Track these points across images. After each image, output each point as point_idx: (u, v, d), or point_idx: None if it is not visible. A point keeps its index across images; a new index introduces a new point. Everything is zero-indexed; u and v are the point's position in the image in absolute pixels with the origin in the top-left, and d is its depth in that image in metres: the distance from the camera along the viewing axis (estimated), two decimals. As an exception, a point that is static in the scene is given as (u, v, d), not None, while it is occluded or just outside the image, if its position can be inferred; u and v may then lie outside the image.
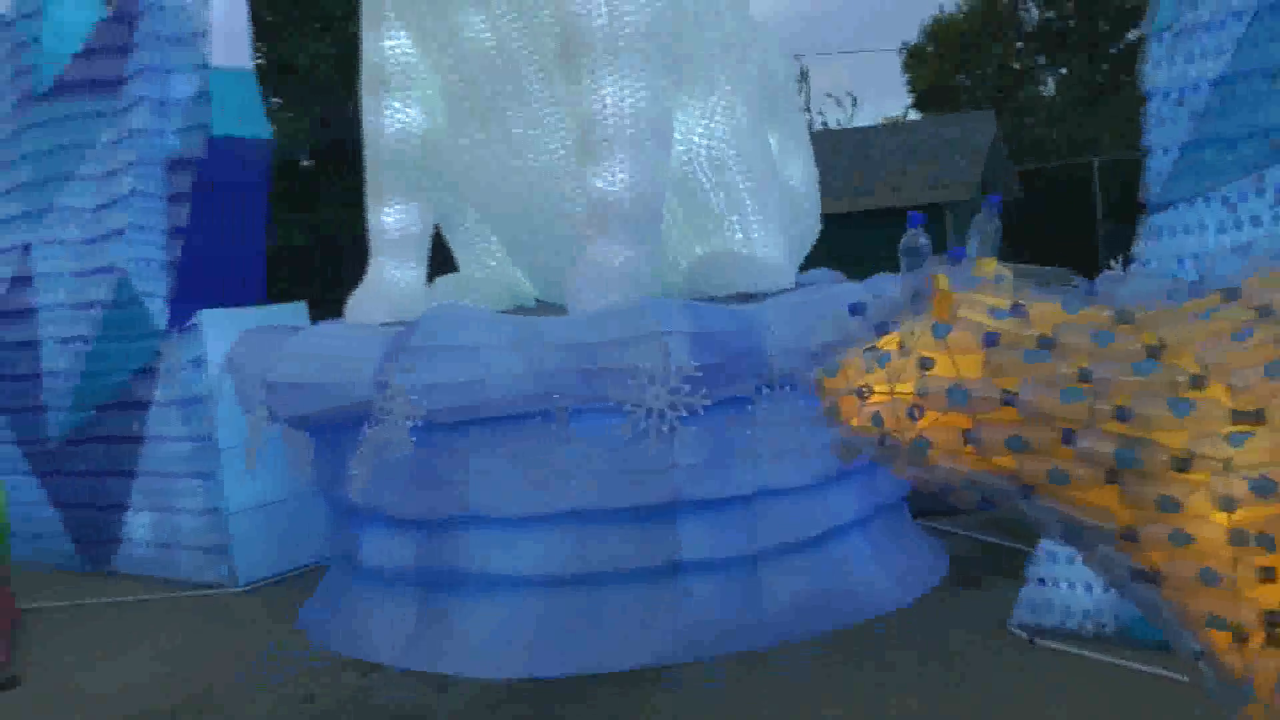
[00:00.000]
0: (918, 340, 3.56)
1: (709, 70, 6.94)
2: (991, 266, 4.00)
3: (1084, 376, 3.13)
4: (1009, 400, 3.27)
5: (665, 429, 5.60)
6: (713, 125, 6.95)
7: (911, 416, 3.48)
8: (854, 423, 3.80)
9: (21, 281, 9.76)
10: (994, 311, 3.53)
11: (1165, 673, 5.32)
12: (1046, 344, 3.28)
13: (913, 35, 33.57)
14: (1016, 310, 3.50)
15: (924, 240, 3.80)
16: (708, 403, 5.62)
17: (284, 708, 5.92)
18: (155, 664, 6.85)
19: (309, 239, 16.12)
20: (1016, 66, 31.01)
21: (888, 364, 3.60)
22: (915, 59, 31.75)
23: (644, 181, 6.35)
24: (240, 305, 8.78)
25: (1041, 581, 6.08)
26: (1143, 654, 5.54)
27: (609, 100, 6.28)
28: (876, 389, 3.69)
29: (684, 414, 5.58)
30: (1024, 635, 5.99)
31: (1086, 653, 5.71)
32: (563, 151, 6.85)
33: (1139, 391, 3.06)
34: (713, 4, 7.01)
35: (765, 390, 6.01)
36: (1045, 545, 6.07)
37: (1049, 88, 31.51)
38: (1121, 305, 3.33)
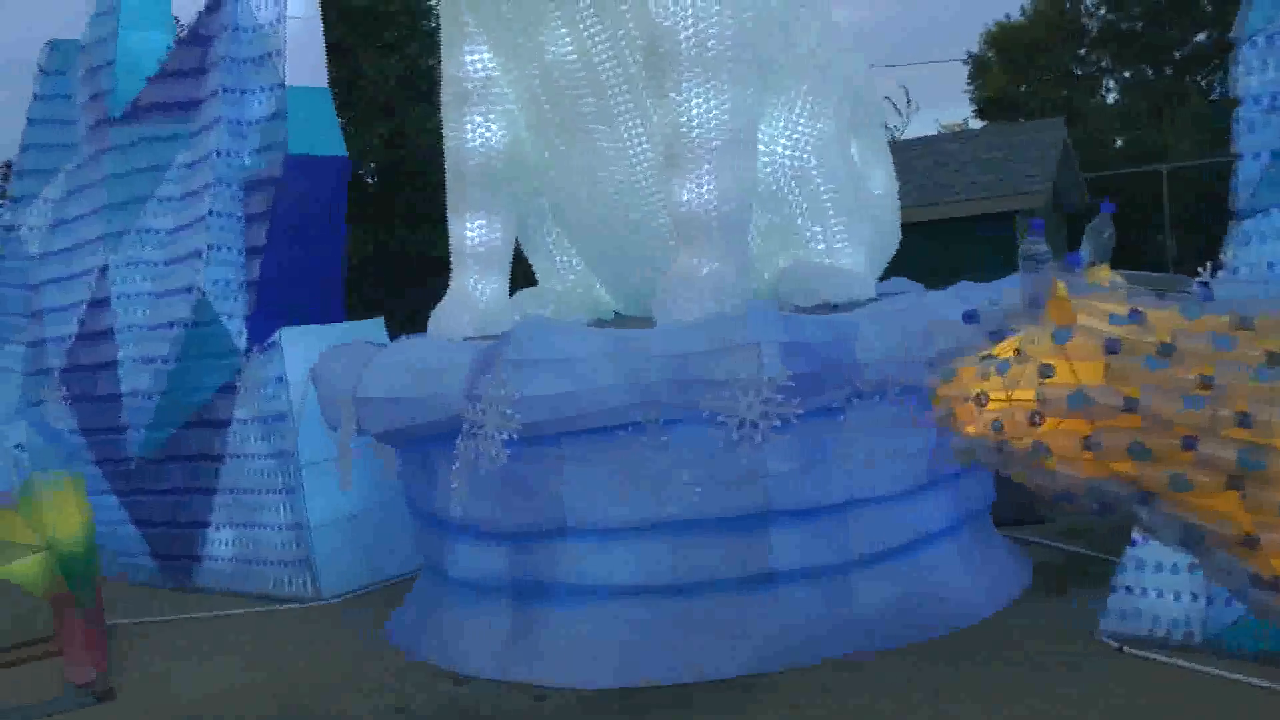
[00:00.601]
0: (1037, 347, 3.57)
1: (793, 81, 6.96)
2: (1106, 273, 4.00)
3: (1205, 383, 3.13)
4: (1130, 406, 3.27)
5: (758, 439, 5.62)
6: (796, 135, 6.97)
7: (1031, 423, 3.48)
8: (970, 429, 3.81)
9: (100, 304, 9.93)
10: (1113, 318, 3.53)
11: (1256, 681, 5.29)
12: (1167, 350, 3.27)
13: (974, 44, 33.47)
14: (1135, 316, 3.49)
15: (1044, 247, 3.80)
16: (800, 412, 5.63)
17: (379, 717, 5.98)
18: (246, 674, 6.94)
19: (376, 255, 16.28)
20: (1080, 73, 30.80)
21: (1006, 371, 3.60)
22: (979, 67, 31.61)
23: (730, 193, 6.38)
24: (319, 322, 8.88)
25: (1129, 590, 6.04)
26: (1233, 663, 5.50)
27: (695, 112, 6.31)
28: (994, 396, 3.69)
29: (777, 423, 5.60)
30: (1113, 643, 5.95)
31: (1176, 661, 5.66)
32: (646, 164, 6.89)
33: (1260, 397, 3.05)
34: (797, 16, 7.03)
35: (856, 399, 6.02)
36: (1132, 553, 6.03)
37: (1114, 93, 31.30)
38: (1241, 311, 3.33)
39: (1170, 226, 18.06)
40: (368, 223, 16.04)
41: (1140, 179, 19.54)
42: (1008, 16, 31.79)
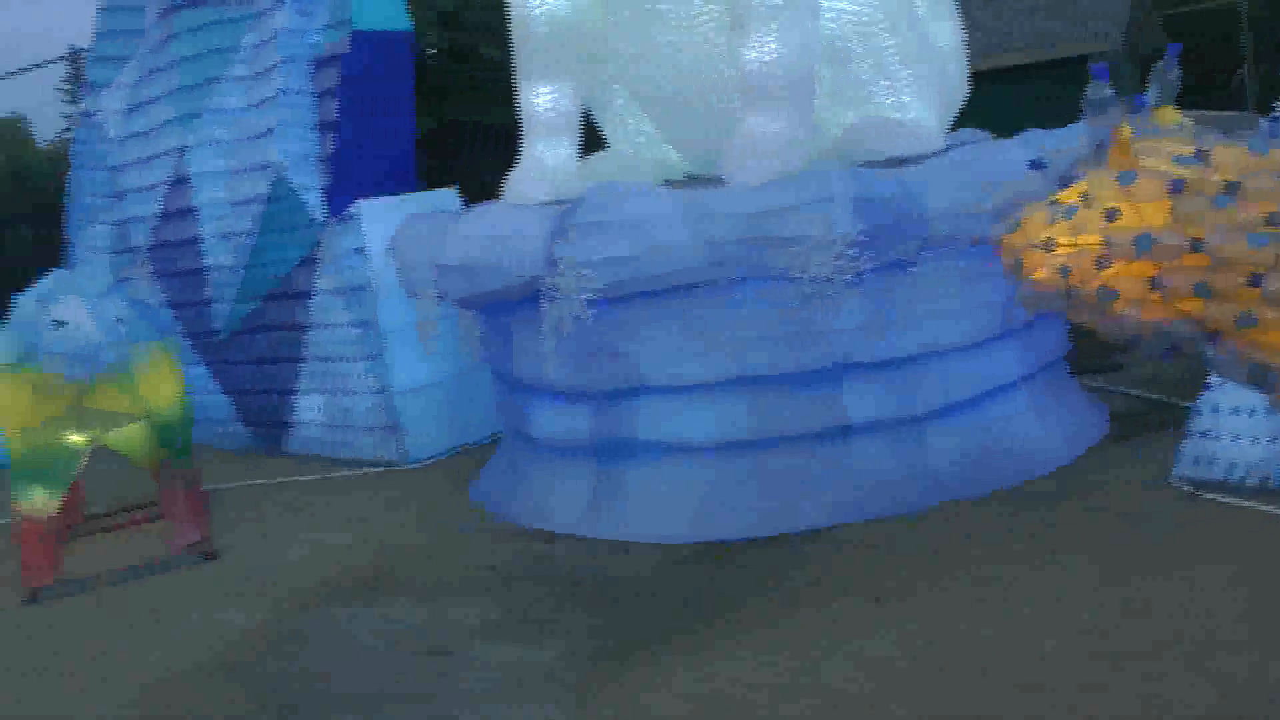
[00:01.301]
0: (1103, 191, 3.61)
1: (858, -68, 6.89)
2: (1173, 114, 4.00)
3: (1272, 221, 3.17)
4: (1196, 247, 3.32)
5: (830, 294, 5.72)
6: (861, -12, 6.92)
7: (1099, 266, 3.54)
8: (1038, 275, 3.87)
9: (181, 182, 10.15)
10: (1178, 159, 3.56)
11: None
12: (1233, 189, 3.30)
13: None
14: (1200, 156, 3.51)
15: (1109, 92, 3.80)
16: (871, 267, 5.71)
17: (470, 572, 6.24)
18: (341, 534, 7.26)
19: (436, 128, 16.35)
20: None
21: (1073, 216, 3.65)
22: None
23: (795, 51, 6.37)
24: (394, 194, 9.03)
25: (1204, 435, 6.05)
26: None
27: (760, -31, 6.29)
28: (1061, 241, 3.74)
29: (848, 278, 5.69)
30: (1187, 488, 6.00)
31: (1250, 503, 5.70)
32: (712, 25, 6.88)
33: (1327, 235, 3.09)
34: None
35: (927, 252, 6.08)
36: (1207, 399, 6.05)
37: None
38: (1308, 148, 3.34)
39: (1253, 61, 17.55)
40: (428, 97, 16.11)
41: (1219, 13, 18.96)
42: None
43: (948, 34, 7.67)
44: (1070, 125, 7.05)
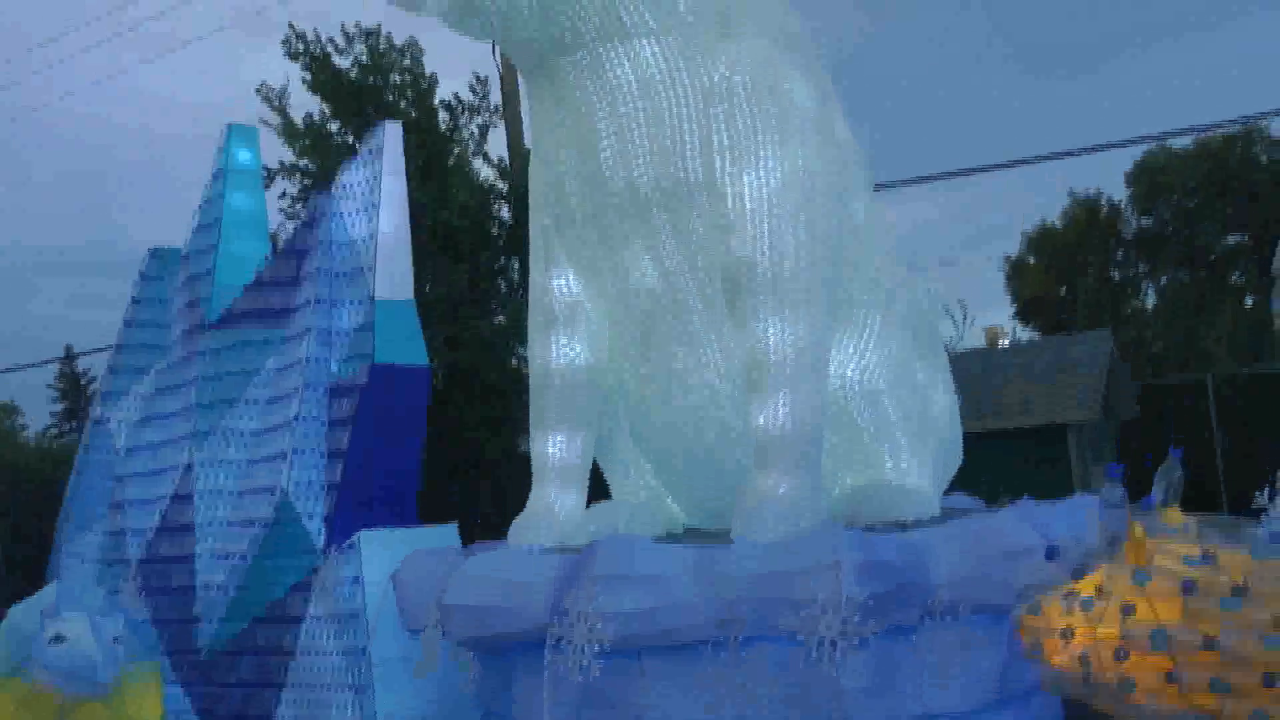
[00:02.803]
0: (1118, 585, 3.81)
1: (862, 308, 7.35)
2: (1178, 515, 4.26)
3: (1280, 623, 3.36)
4: (1209, 644, 3.49)
5: (836, 657, 5.81)
6: (866, 360, 7.33)
7: (1117, 658, 3.70)
8: (1056, 661, 4.03)
9: (183, 499, 10.29)
10: (1186, 559, 3.78)
11: None
12: (1240, 591, 3.51)
13: (1011, 246, 34.30)
14: (1208, 558, 3.74)
15: (1121, 490, 4.08)
16: (878, 631, 5.83)
17: None
18: None
19: (435, 454, 16.65)
20: (1119, 277, 31.46)
21: (1090, 608, 3.84)
22: (1018, 270, 32.34)
23: (805, 416, 6.70)
24: (394, 525, 9.16)
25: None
26: None
27: (772, 340, 6.68)
28: (1080, 630, 3.91)
29: (855, 642, 5.79)
30: None
31: None
32: (722, 384, 7.23)
33: (1335, 636, 3.28)
34: (865, 246, 7.46)
35: (928, 618, 6.21)
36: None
37: (1150, 297, 31.91)
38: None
39: (1218, 428, 18.32)
40: (431, 424, 16.50)
41: (1187, 386, 19.89)
42: (1045, 220, 32.63)
43: (944, 402, 8.05)
44: (1063, 499, 7.35)
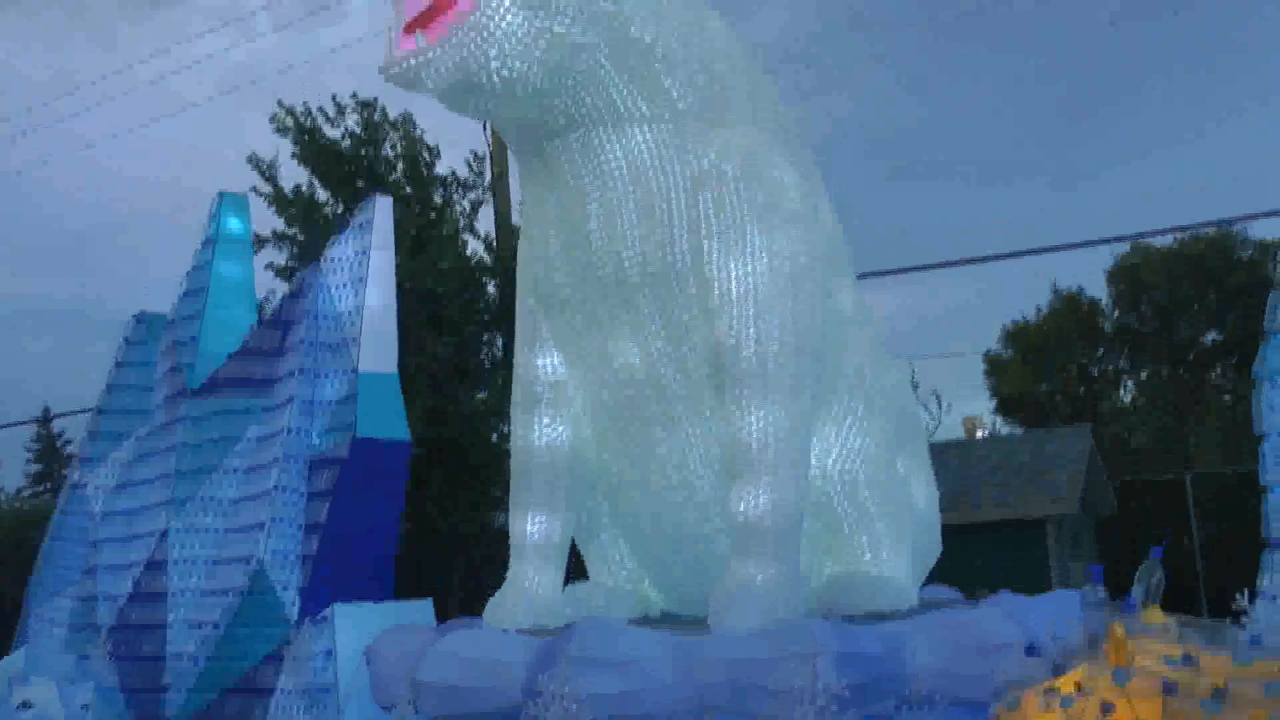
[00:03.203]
0: (1098, 683, 3.82)
1: (844, 397, 7.40)
2: (1158, 615, 4.29)
3: (1261, 728, 3.38)
4: (1189, 745, 3.51)
5: (811, 746, 5.79)
6: (846, 449, 7.36)
7: (1097, 755, 3.71)
8: (1037, 757, 4.02)
9: (157, 565, 10.22)
10: (1168, 660, 3.81)
11: None
12: (1220, 694, 3.53)
13: (990, 339, 34.56)
14: (1189, 660, 3.76)
15: (1103, 592, 4.11)
16: (853, 721, 5.81)
17: None
18: None
19: (412, 527, 16.60)
20: (1098, 372, 31.71)
21: (1070, 706, 3.85)
22: (997, 365, 32.54)
23: (785, 504, 6.72)
24: (369, 597, 9.10)
25: None
26: None
27: (755, 427, 6.71)
28: (1059, 729, 3.92)
29: (830, 733, 5.77)
30: None
31: None
32: (703, 470, 7.25)
33: (1314, 743, 3.30)
34: (846, 337, 7.52)
35: (905, 709, 6.19)
36: None
37: (1129, 392, 32.15)
38: (1287, 658, 3.60)
39: (1197, 526, 18.44)
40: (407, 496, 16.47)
41: (1166, 483, 20.01)
42: (1024, 316, 32.92)
43: (924, 494, 8.09)
44: (1041, 594, 7.37)
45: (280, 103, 18.60)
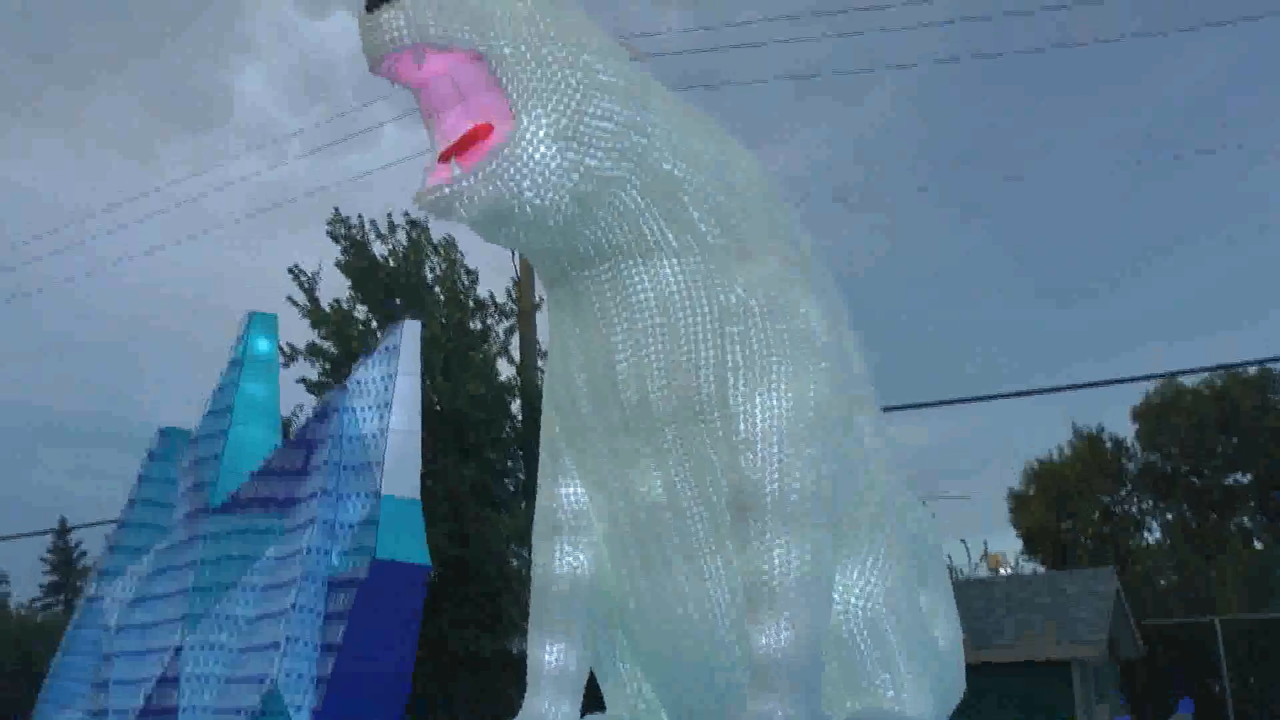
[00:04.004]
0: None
1: (867, 534, 7.34)
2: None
3: None
4: None
5: None
6: (870, 586, 7.28)
7: None
8: None
9: (169, 682, 10.15)
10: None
11: None
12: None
13: (1013, 476, 34.34)
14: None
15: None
16: None
17: None
18: None
19: (433, 651, 16.45)
20: (1120, 512, 31.42)
21: None
22: (1020, 502, 32.32)
23: (806, 640, 6.63)
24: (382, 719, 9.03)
25: None
26: None
27: (778, 562, 6.66)
28: None
29: None
30: None
31: None
32: (724, 602, 7.18)
33: None
34: (872, 469, 7.50)
35: None
36: None
37: (1154, 532, 31.83)
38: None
39: (1227, 678, 18.07)
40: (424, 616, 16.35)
41: (1194, 628, 19.67)
42: (1049, 454, 32.74)
43: (948, 631, 7.98)
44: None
45: (336, 210, 19.00)
